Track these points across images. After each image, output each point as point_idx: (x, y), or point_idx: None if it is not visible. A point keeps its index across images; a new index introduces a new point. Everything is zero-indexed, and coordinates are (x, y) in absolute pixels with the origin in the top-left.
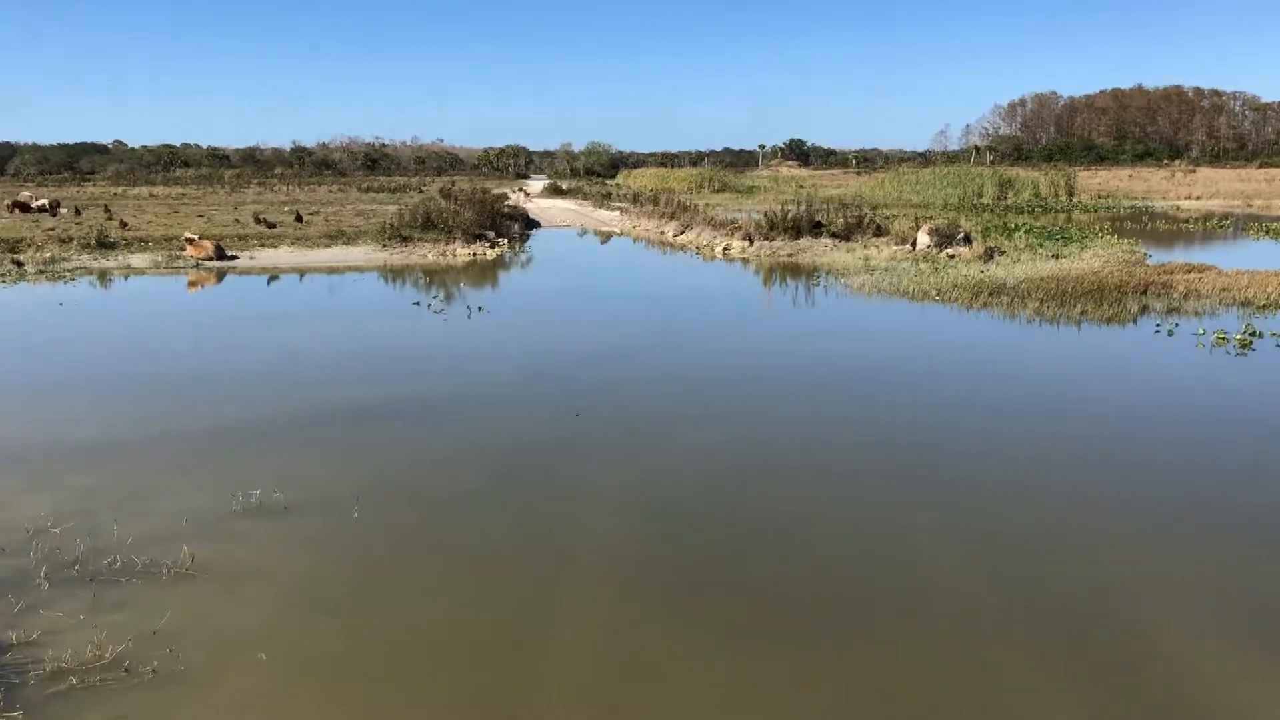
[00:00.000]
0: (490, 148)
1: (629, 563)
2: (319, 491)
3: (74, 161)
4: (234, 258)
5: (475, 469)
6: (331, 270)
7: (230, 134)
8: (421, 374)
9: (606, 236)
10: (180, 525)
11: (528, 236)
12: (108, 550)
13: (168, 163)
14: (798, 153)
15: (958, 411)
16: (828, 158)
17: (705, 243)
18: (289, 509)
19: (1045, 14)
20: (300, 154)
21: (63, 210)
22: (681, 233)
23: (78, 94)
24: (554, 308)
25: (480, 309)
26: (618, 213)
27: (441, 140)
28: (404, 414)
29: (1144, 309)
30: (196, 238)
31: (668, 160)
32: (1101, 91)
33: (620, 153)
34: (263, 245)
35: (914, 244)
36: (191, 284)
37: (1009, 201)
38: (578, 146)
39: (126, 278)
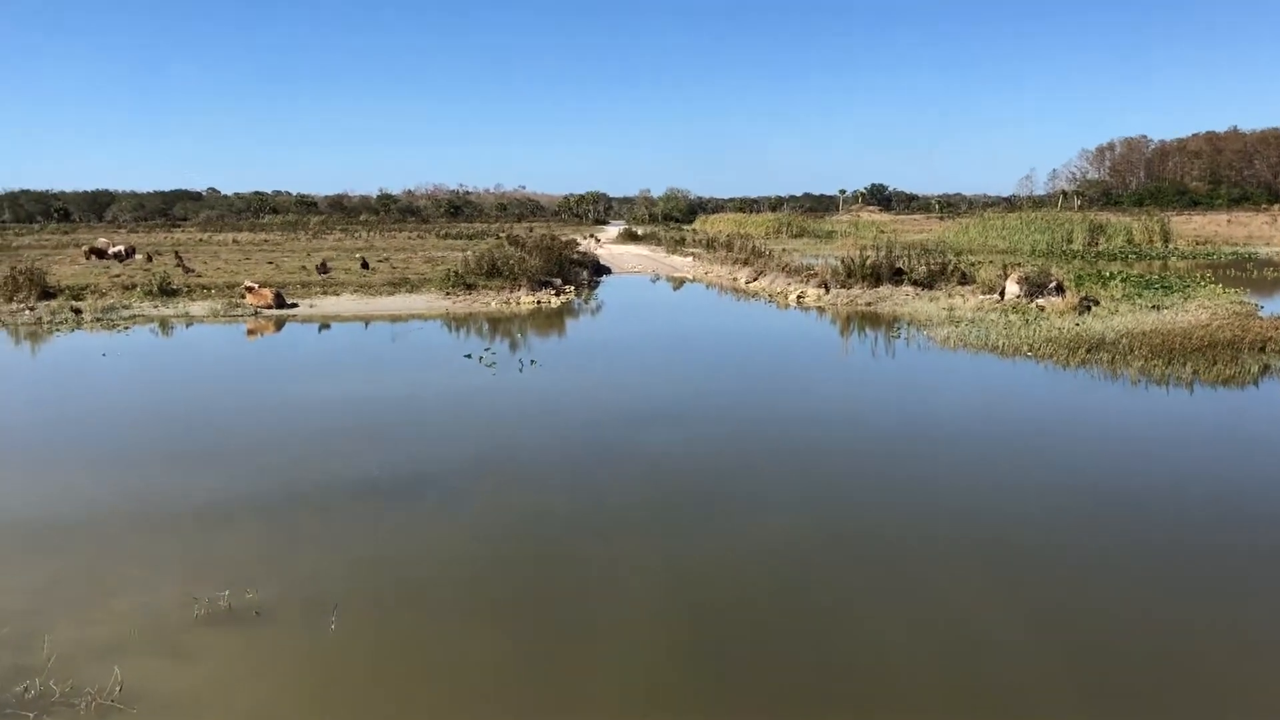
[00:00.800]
0: (571, 194)
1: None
2: (302, 590)
3: (168, 208)
4: (294, 305)
5: (490, 565)
6: (392, 318)
7: (321, 182)
8: (453, 440)
9: (679, 283)
10: (126, 634)
11: (597, 283)
12: (30, 669)
13: (257, 209)
14: (879, 198)
15: (1069, 495)
16: (910, 203)
17: (779, 290)
18: (260, 614)
19: (1134, 56)
20: (386, 201)
21: (138, 256)
22: (754, 279)
23: (175, 143)
24: (611, 360)
25: (533, 362)
26: (690, 258)
27: (524, 187)
28: (419, 492)
29: (1265, 368)
30: (256, 285)
31: (746, 206)
32: (1194, 135)
33: (699, 198)
34: (325, 293)
35: (1002, 293)
36: (250, 332)
37: (1100, 248)
38: (656, 193)
39: (186, 325)
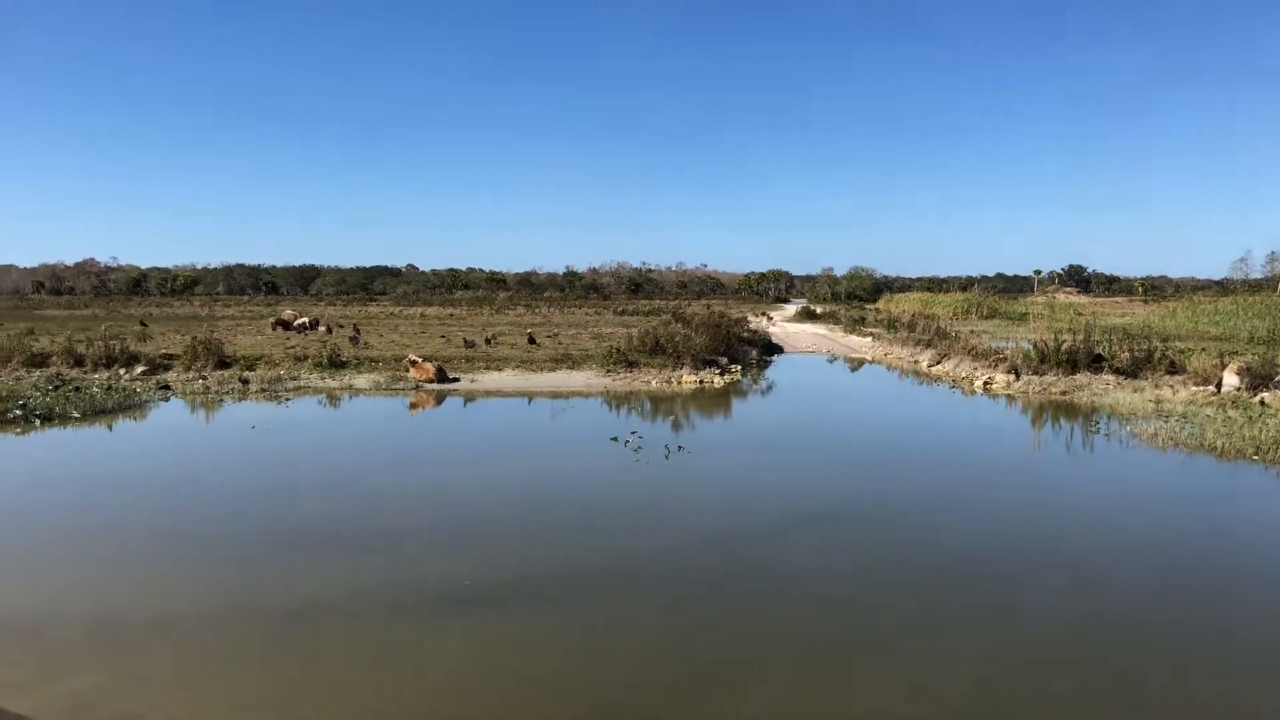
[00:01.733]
0: (752, 272)
1: None
2: None
3: (369, 283)
4: (455, 380)
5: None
6: (552, 394)
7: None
8: (572, 539)
9: (856, 364)
10: None
11: (767, 363)
12: None
13: (450, 285)
14: (1077, 279)
15: None
16: (1110, 285)
17: (964, 375)
18: None
19: None
20: (571, 278)
21: (321, 328)
22: (937, 362)
23: (379, 222)
24: (765, 449)
25: (680, 449)
26: (869, 339)
27: (705, 265)
28: (510, 607)
29: None
30: (420, 360)
31: (934, 285)
32: None
33: (885, 277)
34: (488, 368)
35: (1218, 385)
36: (412, 406)
37: None
38: (840, 271)
39: (348, 398)
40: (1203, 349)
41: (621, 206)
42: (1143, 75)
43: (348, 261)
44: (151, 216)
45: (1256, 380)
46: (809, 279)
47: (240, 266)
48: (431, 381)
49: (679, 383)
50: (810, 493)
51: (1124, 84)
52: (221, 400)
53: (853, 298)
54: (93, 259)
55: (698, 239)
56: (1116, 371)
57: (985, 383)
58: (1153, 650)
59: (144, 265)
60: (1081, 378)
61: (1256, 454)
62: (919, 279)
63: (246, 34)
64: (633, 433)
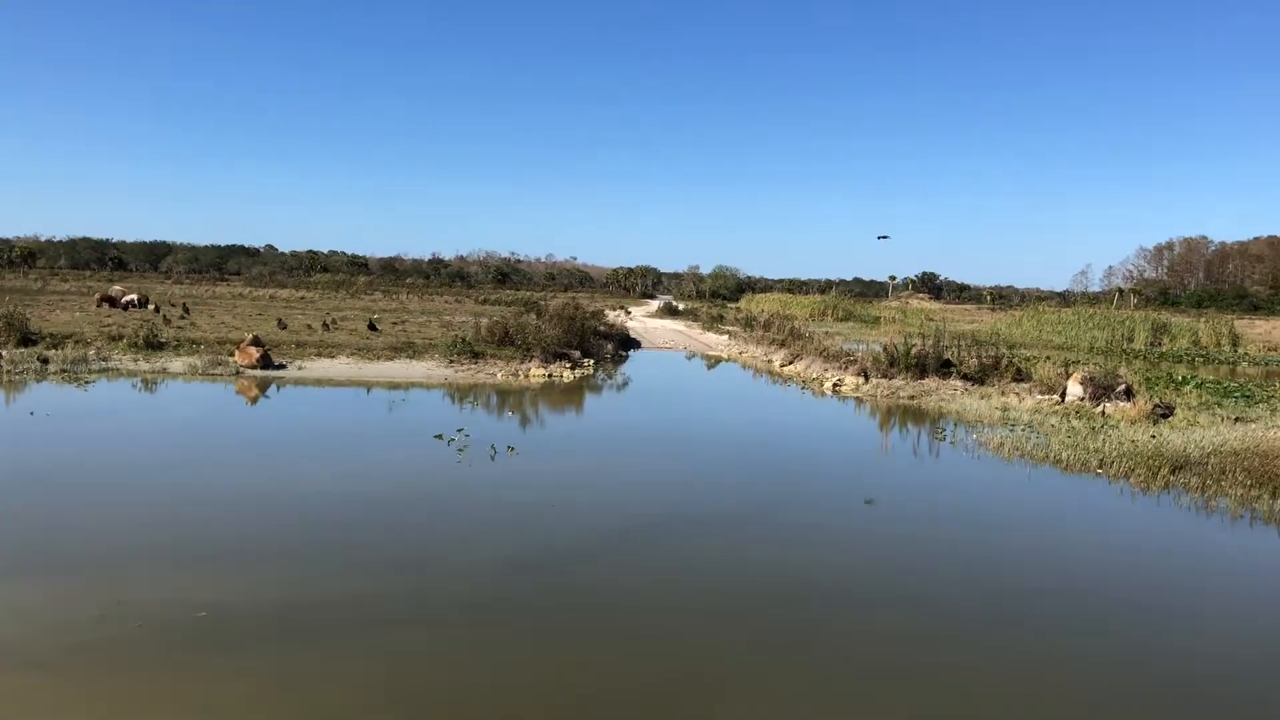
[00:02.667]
0: (621, 267)
1: None
2: None
3: (223, 262)
4: (281, 366)
5: None
6: (388, 386)
7: (378, 244)
8: (364, 555)
9: (713, 362)
10: None
11: (623, 358)
12: None
13: (308, 267)
14: (930, 286)
15: (1176, 694)
16: (961, 292)
17: (815, 376)
18: None
19: (1197, 156)
20: (436, 265)
21: (151, 306)
22: (790, 363)
23: (237, 200)
24: (605, 449)
25: (510, 449)
26: (726, 336)
27: (574, 258)
28: (244, 647)
29: None
30: (245, 344)
31: (795, 286)
32: (1256, 238)
33: (749, 277)
34: (320, 354)
35: (1063, 394)
36: (232, 394)
37: (1164, 348)
38: (706, 269)
39: (158, 383)
40: (1047, 357)
41: (494, 197)
42: (986, 88)
43: (205, 239)
44: None
45: (1099, 390)
46: (676, 276)
47: (85, 240)
48: (255, 367)
49: (526, 376)
50: (640, 501)
51: (965, 95)
52: (13, 381)
53: (717, 296)
54: None
55: (569, 233)
56: (964, 378)
57: (835, 384)
58: (971, 672)
59: None
60: (930, 383)
61: (1100, 468)
62: (780, 280)
63: None
64: (459, 430)
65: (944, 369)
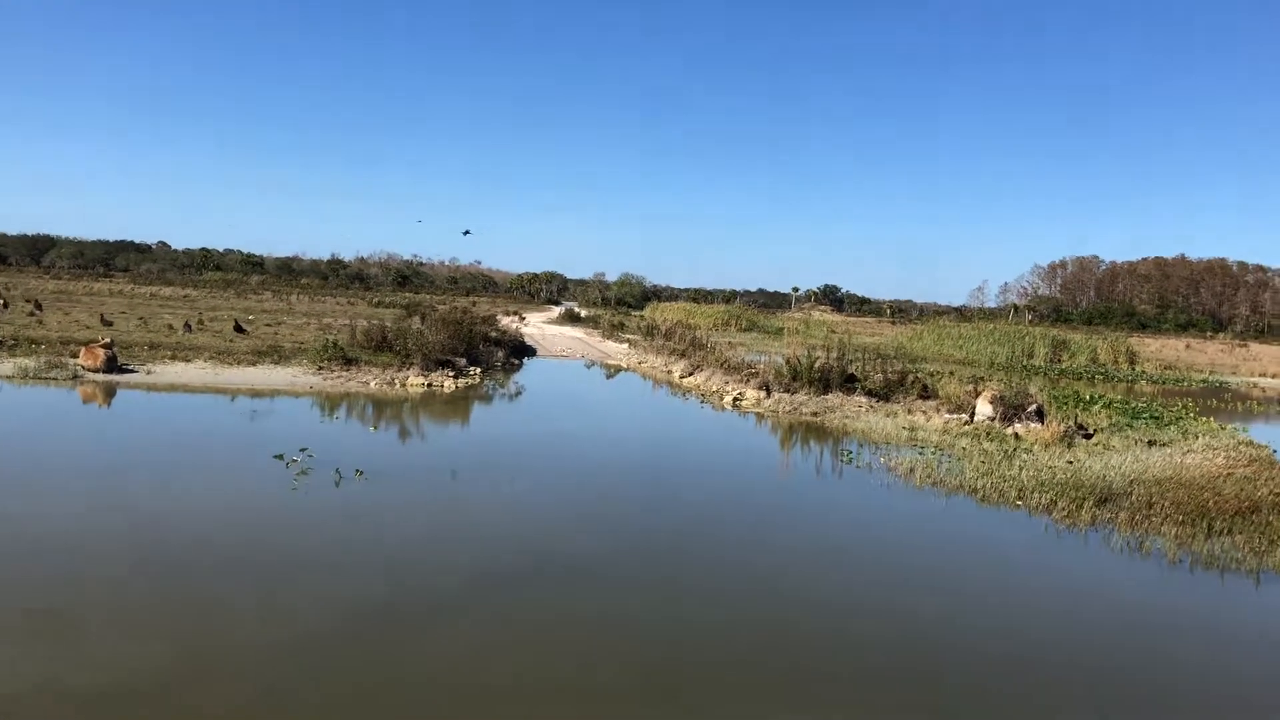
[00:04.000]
0: (526, 272)
1: None
2: None
3: (110, 258)
4: (129, 370)
5: None
6: (247, 394)
7: (278, 243)
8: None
9: (612, 372)
10: None
11: (515, 366)
12: None
13: (200, 265)
14: (831, 298)
15: None
16: (861, 305)
17: (715, 389)
18: None
19: (1088, 177)
20: (335, 265)
21: (1, 302)
22: (690, 374)
23: (130, 192)
24: (476, 473)
25: (359, 473)
26: (626, 345)
27: (479, 262)
28: None
29: None
30: (92, 345)
31: (700, 296)
32: (1144, 259)
33: (655, 286)
34: (175, 358)
35: (972, 414)
36: (72, 401)
37: (1064, 365)
38: (612, 277)
39: None
40: (951, 373)
41: (397, 197)
42: (880, 111)
43: (95, 234)
44: None
45: (1009, 410)
46: (582, 283)
47: None
48: (99, 371)
49: (404, 385)
50: (495, 543)
51: (861, 117)
52: None
53: (622, 303)
54: None
55: (475, 237)
56: (869, 394)
57: (735, 398)
58: None
59: None
60: (834, 398)
61: (1020, 499)
62: (686, 289)
63: None
64: (302, 449)
65: (848, 384)
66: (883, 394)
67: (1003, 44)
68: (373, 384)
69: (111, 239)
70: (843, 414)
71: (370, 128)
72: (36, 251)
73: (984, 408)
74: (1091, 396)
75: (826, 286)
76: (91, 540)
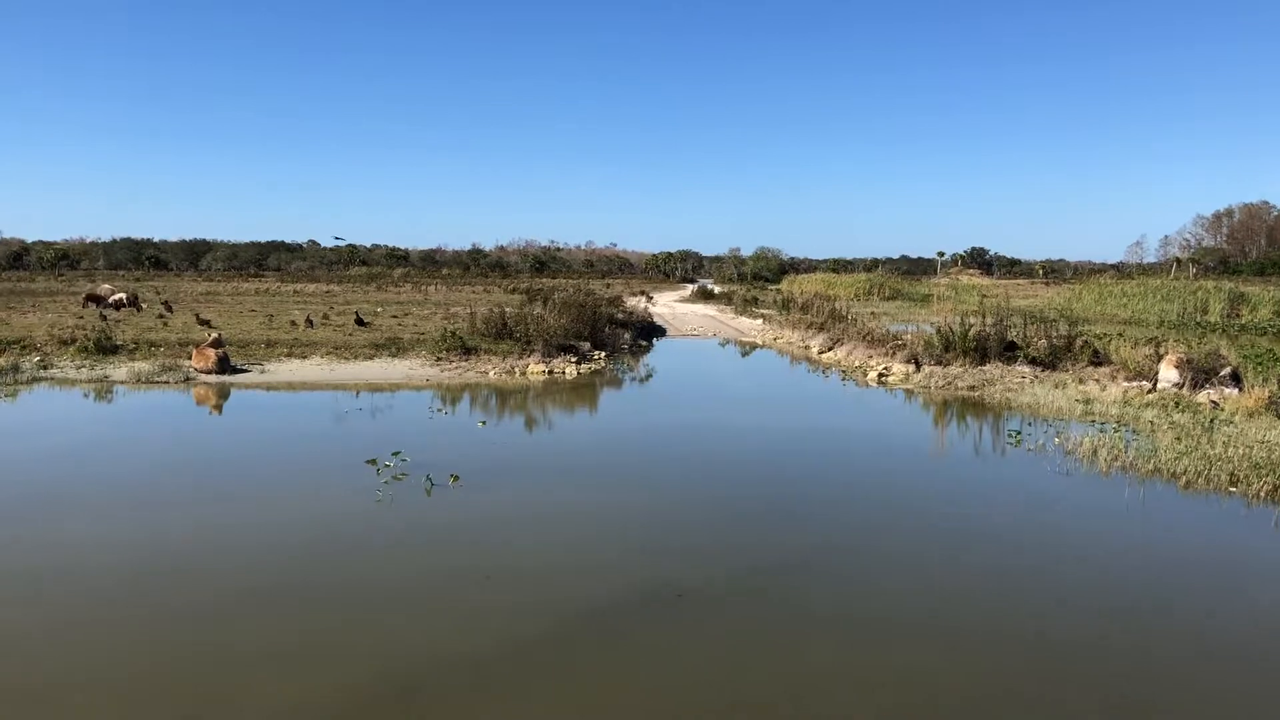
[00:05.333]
0: (661, 252)
1: None
2: None
3: (263, 259)
4: (242, 370)
5: None
6: (363, 389)
7: (422, 237)
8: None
9: (746, 349)
10: None
11: (642, 348)
12: None
13: (347, 261)
14: (979, 261)
15: None
16: (1011, 267)
17: (857, 363)
18: None
19: (1255, 118)
20: (475, 255)
21: (143, 305)
22: (830, 348)
23: (282, 196)
24: (593, 474)
25: (454, 479)
26: (760, 321)
27: (614, 244)
28: None
29: None
30: (204, 345)
31: (840, 266)
32: None
33: (792, 258)
34: (291, 354)
35: (1153, 380)
36: (176, 405)
37: (1243, 320)
38: (747, 252)
39: (91, 393)
40: (1120, 334)
41: (535, 185)
42: (1026, 59)
43: (249, 236)
44: (43, 189)
45: (1198, 375)
46: (718, 260)
47: (126, 240)
48: (212, 372)
49: (524, 373)
50: (612, 565)
51: (1008, 68)
52: None
53: (758, 278)
54: None
55: (610, 219)
56: (1032, 362)
57: (881, 374)
58: None
59: (29, 239)
60: (992, 369)
61: (1233, 484)
62: (825, 260)
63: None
64: (395, 453)
65: (1008, 352)
66: (1048, 362)
67: None
68: (491, 373)
69: (264, 240)
70: (1004, 387)
71: (504, 120)
72: (194, 256)
73: (1168, 373)
74: None
75: (974, 249)
76: (113, 560)
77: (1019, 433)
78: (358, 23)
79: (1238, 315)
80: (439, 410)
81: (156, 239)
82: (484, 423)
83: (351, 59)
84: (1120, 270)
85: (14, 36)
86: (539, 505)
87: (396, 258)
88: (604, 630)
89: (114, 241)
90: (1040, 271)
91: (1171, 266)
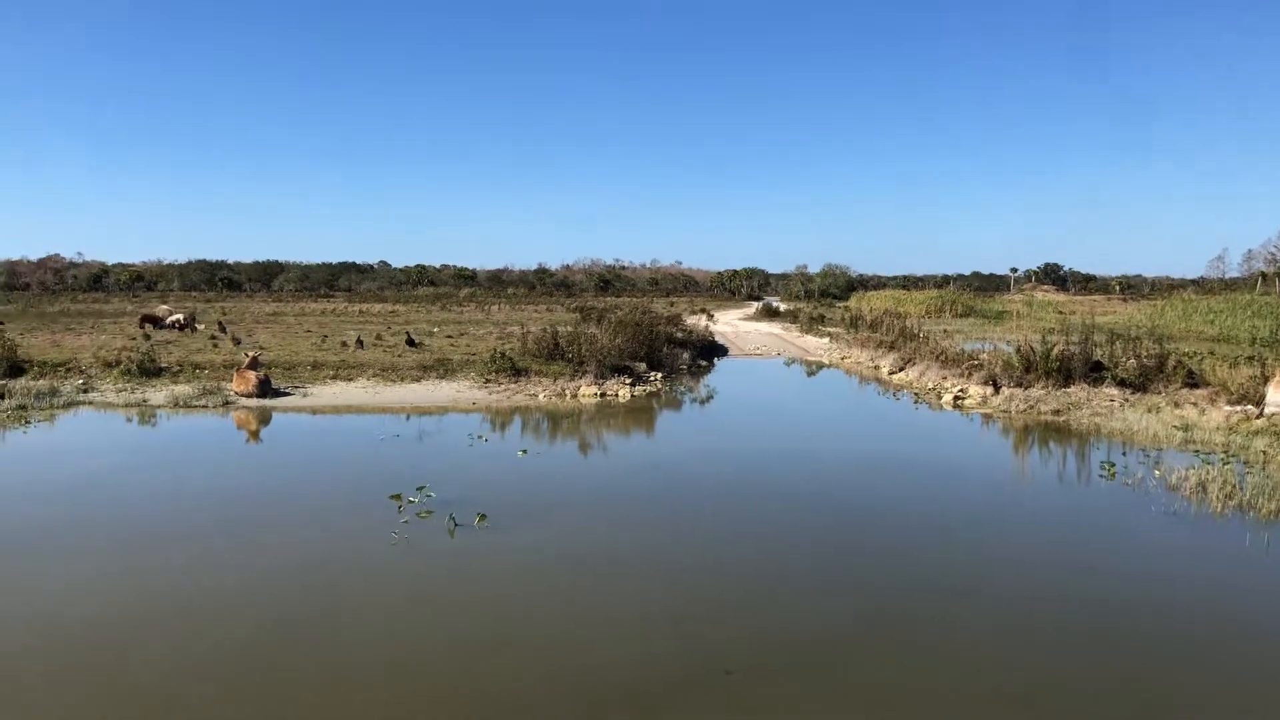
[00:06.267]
0: (726, 269)
1: None
2: None
3: (334, 279)
4: (284, 393)
5: None
6: (409, 411)
7: (491, 257)
8: None
9: (813, 369)
10: None
11: (701, 369)
12: None
13: (416, 281)
14: (1053, 277)
15: None
16: (1087, 283)
17: (930, 385)
18: None
19: None
20: (541, 275)
21: (200, 326)
22: (900, 368)
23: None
24: (636, 515)
25: (480, 519)
26: (827, 339)
27: (679, 263)
28: None
29: None
30: (244, 368)
31: (910, 283)
32: None
33: (860, 275)
34: (337, 377)
35: (1260, 404)
36: (212, 430)
37: None
38: (814, 269)
39: (132, 417)
40: (1212, 352)
41: (601, 203)
42: (1102, 70)
43: (322, 257)
44: (125, 213)
45: None
46: (784, 277)
47: (201, 262)
48: (252, 395)
49: (575, 396)
50: (648, 634)
51: (1085, 80)
52: None
53: (826, 295)
54: (57, 254)
55: (675, 237)
56: (1121, 384)
57: (956, 396)
58: None
59: (110, 261)
60: (1078, 391)
61: None
62: (894, 277)
63: (225, 29)
64: (420, 488)
65: (1093, 373)
66: (1138, 384)
67: None
68: (541, 396)
69: (336, 261)
70: (1091, 411)
71: (567, 138)
72: (267, 276)
73: (1276, 395)
74: None
75: (1047, 265)
76: (65, 609)
77: (1112, 464)
78: (436, 44)
79: None
80: (479, 437)
81: (231, 260)
82: (524, 452)
83: (432, 82)
84: (1201, 285)
85: (97, 64)
86: (571, 553)
87: (464, 277)
88: (637, 717)
89: (189, 263)
90: (1117, 287)
91: (1256, 281)
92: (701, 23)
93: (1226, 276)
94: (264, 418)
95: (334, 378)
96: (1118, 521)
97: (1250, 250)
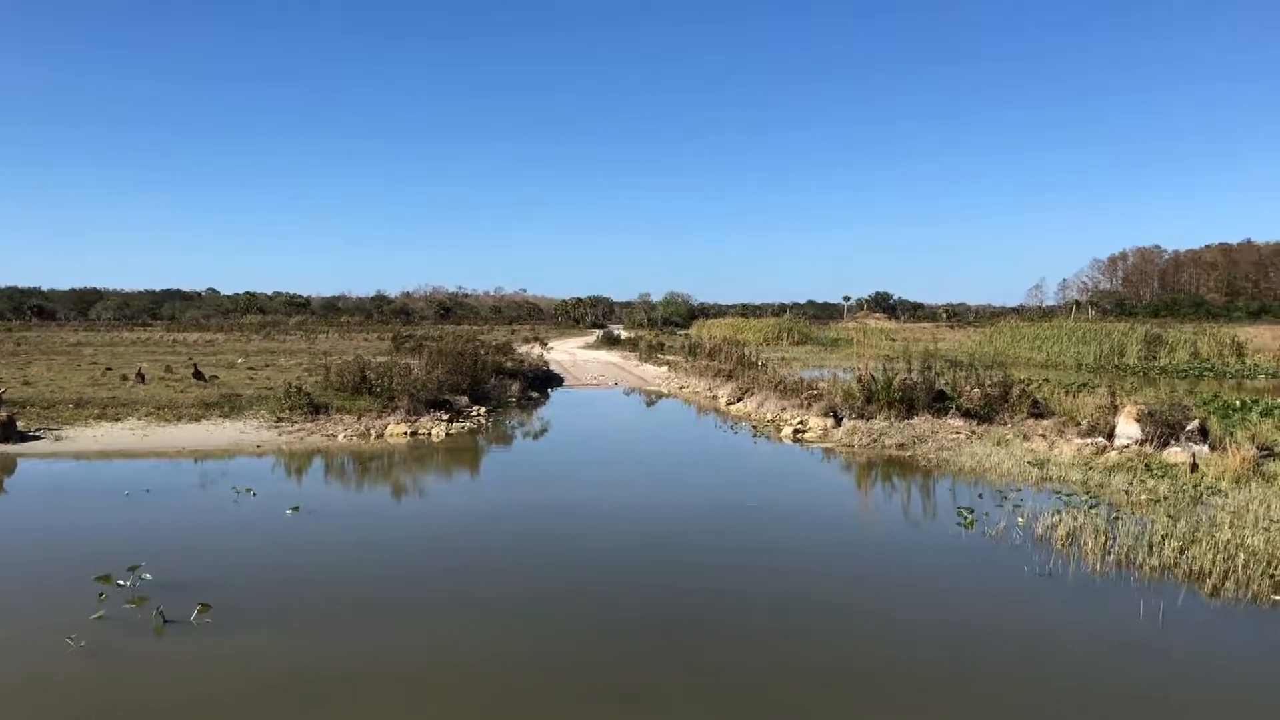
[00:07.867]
0: (571, 297)
1: None
2: None
3: (156, 307)
4: (33, 436)
5: None
6: (187, 454)
7: (326, 284)
8: None
9: (652, 399)
10: None
11: (532, 401)
12: None
13: (244, 309)
14: (883, 305)
15: None
16: (915, 311)
17: (769, 416)
18: None
19: (1146, 165)
20: (379, 302)
21: None
22: (739, 398)
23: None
24: (395, 596)
25: (202, 608)
26: (665, 368)
27: (524, 290)
28: None
29: None
30: None
31: (749, 311)
32: (1208, 246)
33: (701, 304)
34: (102, 417)
35: (1109, 435)
36: None
37: (1161, 362)
38: (657, 297)
39: None
40: (1045, 379)
41: (442, 228)
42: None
43: (149, 284)
44: None
45: (1163, 430)
46: (628, 305)
47: (11, 289)
48: None
49: (381, 434)
50: None
51: (900, 121)
52: None
53: (669, 323)
54: None
55: (519, 264)
56: (966, 414)
57: (797, 429)
58: None
59: None
60: (922, 423)
61: (1278, 593)
62: (734, 305)
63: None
64: (133, 569)
65: (936, 403)
66: (983, 414)
67: (1026, 40)
68: (341, 436)
69: (160, 288)
70: (938, 444)
71: (416, 165)
72: (84, 305)
73: (1128, 428)
74: (1242, 402)
75: (878, 294)
76: None
77: (970, 511)
78: (282, 54)
79: (1154, 357)
80: (247, 491)
81: (45, 288)
82: (295, 509)
83: (275, 98)
84: (1021, 313)
85: None
86: (312, 664)
87: (296, 305)
88: None
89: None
90: (943, 315)
91: (1071, 309)
92: (543, 52)
93: (1044, 305)
94: (11, 463)
95: (99, 417)
96: (987, 589)
97: (1065, 280)
